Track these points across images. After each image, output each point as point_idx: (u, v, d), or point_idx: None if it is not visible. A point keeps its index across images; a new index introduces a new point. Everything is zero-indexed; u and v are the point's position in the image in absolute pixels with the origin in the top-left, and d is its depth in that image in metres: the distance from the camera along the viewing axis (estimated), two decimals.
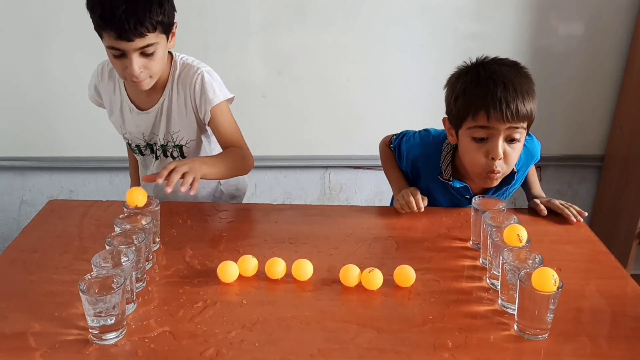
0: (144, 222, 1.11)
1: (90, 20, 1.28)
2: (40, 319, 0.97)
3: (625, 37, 2.11)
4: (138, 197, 1.15)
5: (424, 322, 0.97)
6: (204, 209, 1.41)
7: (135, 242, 1.04)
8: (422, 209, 1.33)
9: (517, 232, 1.03)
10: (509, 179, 1.31)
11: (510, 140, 1.20)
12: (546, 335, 0.93)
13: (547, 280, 0.90)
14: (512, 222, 1.10)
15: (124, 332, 0.93)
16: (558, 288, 0.90)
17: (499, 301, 1.02)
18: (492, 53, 1.27)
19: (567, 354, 0.91)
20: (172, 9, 1.33)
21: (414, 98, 2.16)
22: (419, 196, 1.34)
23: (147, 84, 1.35)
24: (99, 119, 1.77)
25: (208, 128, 1.48)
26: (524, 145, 1.29)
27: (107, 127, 1.57)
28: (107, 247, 1.02)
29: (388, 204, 1.62)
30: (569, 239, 1.25)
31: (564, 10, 2.10)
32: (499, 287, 1.03)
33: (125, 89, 1.46)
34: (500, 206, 1.20)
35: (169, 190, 1.17)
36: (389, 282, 1.07)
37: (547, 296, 0.90)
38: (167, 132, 1.47)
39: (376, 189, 2.41)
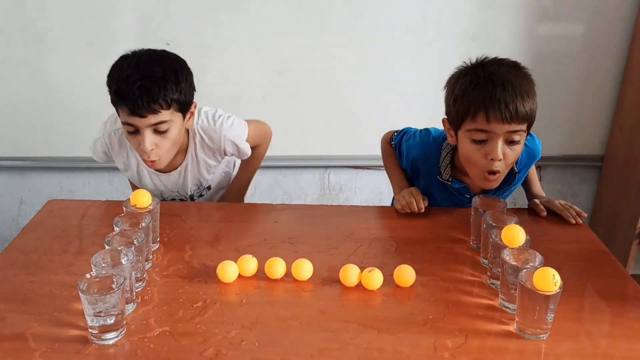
0: (143, 222, 1.11)
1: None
2: (40, 319, 0.97)
3: (625, 37, 2.11)
4: (142, 199, 1.15)
5: (424, 322, 0.97)
6: (204, 209, 1.41)
7: (135, 242, 1.04)
8: (423, 210, 1.33)
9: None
10: (509, 179, 1.30)
11: (510, 142, 1.19)
12: (546, 335, 0.93)
13: (547, 280, 0.90)
14: (512, 222, 1.09)
15: (123, 332, 0.93)
16: (559, 288, 0.90)
17: (499, 301, 1.02)
18: (492, 54, 1.26)
19: (567, 354, 0.91)
20: (191, 89, 1.35)
21: (414, 99, 2.16)
22: (420, 197, 1.34)
23: (160, 164, 1.35)
24: (99, 119, 1.76)
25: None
26: (525, 145, 1.28)
27: None
28: (107, 247, 1.01)
29: (388, 204, 1.62)
30: (569, 238, 1.25)
31: (564, 10, 2.10)
32: (499, 286, 1.03)
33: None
34: (501, 206, 1.20)
35: None
36: (389, 282, 1.07)
37: (547, 296, 0.90)
38: (194, 184, 1.52)
39: (376, 189, 2.41)
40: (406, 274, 1.07)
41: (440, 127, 1.36)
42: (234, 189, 1.63)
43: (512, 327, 0.96)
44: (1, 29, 2.08)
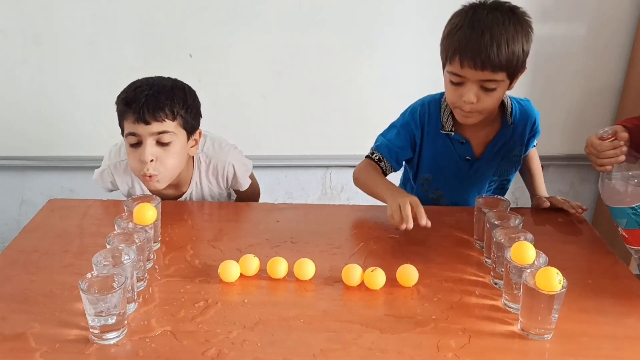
0: None
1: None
2: (41, 319, 0.96)
3: (627, 37, 2.11)
4: (147, 213, 1.10)
5: (427, 322, 0.96)
6: (205, 208, 1.40)
7: (136, 241, 1.03)
8: (424, 222, 1.16)
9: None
10: (506, 132, 1.32)
11: (484, 88, 1.19)
12: (550, 335, 0.93)
13: (551, 279, 0.89)
14: (519, 234, 1.06)
15: (124, 331, 0.92)
16: (562, 288, 0.89)
17: (503, 301, 1.01)
18: None
19: (571, 354, 0.90)
20: (197, 113, 1.37)
21: (414, 98, 2.14)
22: (422, 209, 1.17)
23: (158, 182, 1.32)
24: (100, 119, 1.76)
25: None
26: (519, 103, 1.32)
27: (107, 126, 1.56)
28: (108, 246, 1.01)
29: None
30: (572, 239, 1.25)
31: (566, 11, 2.09)
32: (502, 286, 1.02)
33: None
34: (504, 205, 1.20)
35: None
36: (391, 281, 1.06)
37: (551, 296, 0.89)
38: None
39: None
40: (409, 274, 1.06)
41: None
42: None
43: (516, 328, 0.95)
44: (1, 28, 2.07)
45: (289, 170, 2.37)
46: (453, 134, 1.34)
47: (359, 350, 0.90)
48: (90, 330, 0.91)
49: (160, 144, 1.29)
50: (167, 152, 1.30)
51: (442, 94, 1.36)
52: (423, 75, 2.16)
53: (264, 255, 1.11)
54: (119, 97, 1.32)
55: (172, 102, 1.28)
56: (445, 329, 0.95)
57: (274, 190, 2.39)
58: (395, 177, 1.48)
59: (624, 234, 1.11)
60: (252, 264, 1.09)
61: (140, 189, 1.45)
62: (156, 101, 1.27)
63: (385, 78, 2.18)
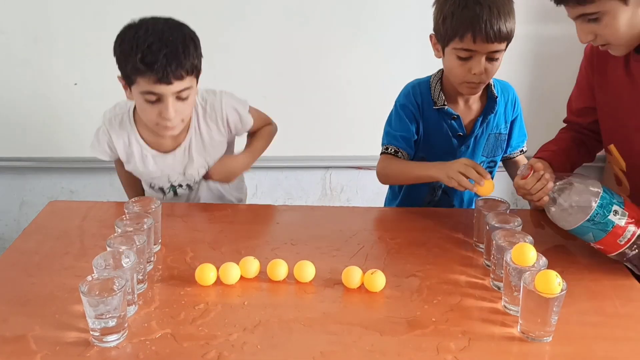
0: (145, 224, 1.10)
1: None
2: (41, 321, 0.96)
3: None
4: (209, 274, 1.07)
5: (427, 324, 0.97)
6: (205, 210, 1.40)
7: (137, 244, 1.03)
8: (488, 177, 1.21)
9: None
10: (491, 105, 1.40)
11: (491, 58, 1.28)
12: (550, 337, 0.93)
13: (551, 282, 0.89)
14: (519, 236, 1.06)
15: (125, 334, 0.93)
16: (562, 290, 0.89)
17: (503, 303, 1.01)
18: None
19: (570, 357, 0.90)
20: (201, 54, 1.34)
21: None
22: (480, 167, 1.24)
23: (178, 129, 1.35)
24: (100, 120, 1.75)
25: None
26: (498, 80, 1.42)
27: None
28: (108, 249, 1.01)
29: (389, 205, 1.61)
30: (572, 241, 1.24)
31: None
32: (502, 289, 1.02)
33: (141, 136, 1.43)
34: (503, 207, 1.20)
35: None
36: (391, 284, 1.07)
37: (551, 299, 0.89)
38: (202, 166, 1.47)
39: (377, 189, 2.38)
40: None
41: None
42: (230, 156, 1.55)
43: (516, 330, 0.95)
44: (2, 29, 2.07)
45: (289, 171, 2.38)
46: (446, 107, 1.40)
47: (359, 353, 0.90)
48: (91, 332, 0.91)
49: (179, 98, 1.29)
50: (185, 104, 1.31)
51: (429, 77, 1.44)
52: (424, 76, 2.17)
53: (264, 258, 1.11)
54: (127, 54, 1.27)
55: (189, 56, 1.27)
56: (445, 331, 0.95)
57: (274, 191, 2.39)
58: None
59: (598, 247, 1.12)
60: (252, 266, 1.09)
61: (137, 144, 1.43)
62: (177, 60, 1.24)
63: (386, 79, 2.17)
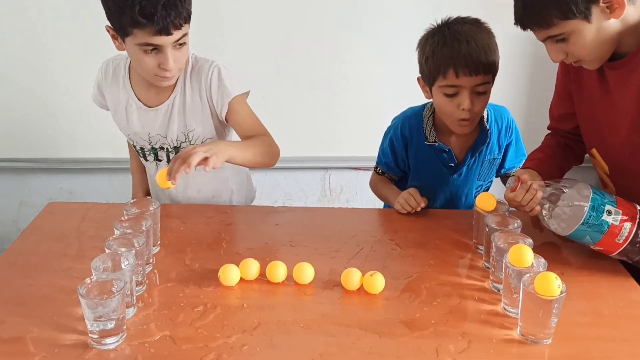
0: (143, 225, 1.10)
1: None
2: (39, 323, 0.96)
3: None
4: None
5: (426, 326, 0.96)
6: (204, 212, 1.40)
7: (135, 245, 1.03)
8: (423, 205, 1.35)
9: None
10: (483, 137, 1.40)
11: (477, 92, 1.29)
12: (550, 339, 0.93)
13: (550, 284, 0.89)
14: (518, 237, 1.07)
15: (123, 336, 0.92)
16: (561, 292, 0.89)
17: (502, 305, 1.01)
18: None
19: (570, 359, 0.90)
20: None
21: (414, 99, 2.14)
22: (419, 195, 1.36)
23: (175, 78, 1.34)
24: (99, 120, 1.76)
25: (227, 126, 1.48)
26: (494, 109, 1.43)
27: (106, 128, 1.56)
28: (107, 251, 1.01)
29: (388, 206, 1.61)
30: (571, 243, 1.24)
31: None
32: (501, 290, 1.02)
33: (132, 86, 1.42)
34: (503, 209, 1.20)
35: (189, 171, 1.12)
36: (390, 285, 1.06)
37: (550, 301, 0.89)
38: (180, 132, 1.43)
39: None
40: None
41: None
42: (223, 140, 1.49)
43: (515, 332, 0.95)
44: (2, 29, 2.07)
45: (288, 172, 2.37)
46: (437, 144, 1.41)
47: (358, 355, 0.90)
48: (89, 335, 0.91)
49: (177, 46, 1.28)
50: (182, 52, 1.30)
51: (423, 106, 1.46)
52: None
53: (263, 259, 1.11)
54: (120, 6, 1.22)
55: (185, 4, 1.25)
56: (445, 333, 0.95)
57: (273, 192, 2.39)
58: None
59: (599, 249, 1.12)
60: (252, 268, 1.08)
61: (125, 94, 1.41)
62: (175, 9, 1.22)
63: (385, 80, 2.18)
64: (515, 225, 1.12)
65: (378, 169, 1.55)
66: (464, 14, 1.40)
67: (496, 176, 1.53)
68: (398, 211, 1.37)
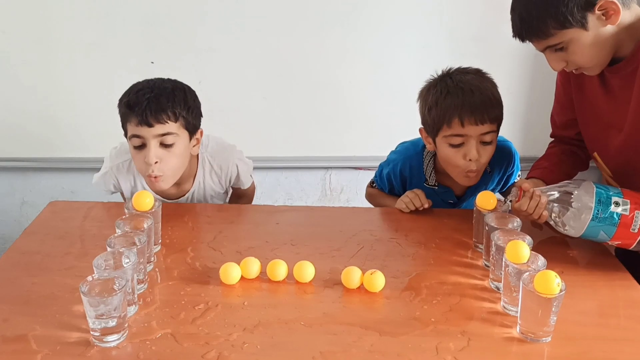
0: (145, 224, 1.11)
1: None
2: (42, 321, 0.97)
3: None
4: (145, 200, 1.16)
5: (427, 324, 0.97)
6: (205, 211, 1.41)
7: (137, 244, 1.04)
8: (427, 206, 1.36)
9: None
10: (485, 179, 1.40)
11: (483, 142, 1.28)
12: (549, 338, 0.93)
13: (550, 283, 0.89)
14: (517, 236, 1.07)
15: (125, 334, 0.93)
16: (561, 291, 0.90)
17: (502, 303, 1.02)
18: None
19: (570, 357, 0.91)
20: (198, 113, 1.39)
21: (414, 99, 2.15)
22: (424, 195, 1.37)
23: (163, 182, 1.35)
24: (101, 120, 1.77)
25: None
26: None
27: (108, 129, 1.57)
28: (109, 249, 1.01)
29: None
30: (571, 241, 1.25)
31: None
32: (501, 289, 1.03)
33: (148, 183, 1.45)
34: (503, 208, 1.20)
35: None
36: (391, 284, 1.07)
37: (550, 299, 0.90)
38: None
39: None
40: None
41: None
42: None
43: (515, 330, 0.95)
44: (4, 29, 2.08)
45: (289, 172, 2.38)
46: (437, 187, 1.42)
47: (359, 353, 0.90)
48: (91, 332, 0.92)
49: (163, 145, 1.31)
50: (171, 153, 1.33)
51: (423, 146, 1.44)
52: (423, 77, 2.17)
53: (264, 258, 1.12)
54: (121, 100, 1.34)
55: (173, 104, 1.31)
56: (445, 331, 0.95)
57: (274, 191, 2.39)
58: None
59: (617, 243, 1.12)
60: (253, 266, 1.09)
61: (142, 187, 1.46)
62: (158, 103, 1.29)
63: (386, 80, 2.18)
64: (515, 224, 1.12)
65: (374, 184, 1.56)
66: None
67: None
68: (400, 210, 1.37)
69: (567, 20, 1.04)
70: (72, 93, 2.16)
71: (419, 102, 1.38)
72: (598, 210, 1.08)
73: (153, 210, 1.18)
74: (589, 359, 0.90)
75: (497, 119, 1.28)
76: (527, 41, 1.12)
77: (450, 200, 1.44)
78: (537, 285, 0.90)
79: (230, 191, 1.64)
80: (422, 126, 1.38)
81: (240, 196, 1.65)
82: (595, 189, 1.10)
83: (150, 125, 1.28)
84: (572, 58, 1.10)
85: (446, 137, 1.29)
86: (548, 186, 1.17)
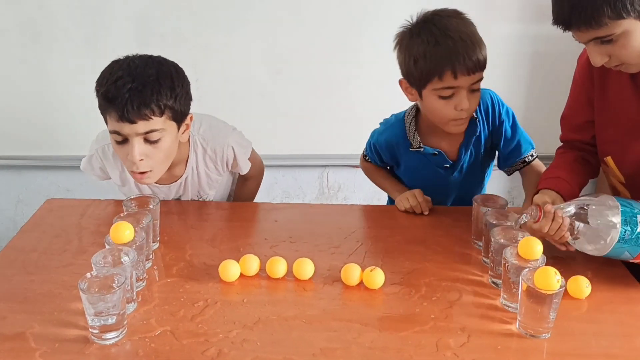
0: (143, 221, 1.10)
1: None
2: (40, 319, 0.96)
3: None
4: (125, 232, 1.02)
5: (426, 321, 0.97)
6: (204, 208, 1.40)
7: (135, 241, 1.03)
8: (426, 212, 1.34)
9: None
10: (472, 129, 1.33)
11: (472, 90, 1.24)
12: (549, 334, 0.93)
13: (549, 279, 0.90)
14: (520, 237, 1.05)
15: (124, 331, 0.93)
16: (560, 287, 0.90)
17: (501, 300, 1.02)
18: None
19: (569, 353, 0.91)
20: (187, 98, 1.23)
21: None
22: (424, 199, 1.35)
23: (149, 178, 1.23)
24: (95, 117, 1.75)
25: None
26: None
27: (102, 125, 1.55)
28: (107, 246, 1.01)
29: (385, 203, 1.62)
30: None
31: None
32: (501, 285, 1.03)
33: None
34: (502, 204, 1.20)
35: None
36: (390, 281, 1.07)
37: (549, 295, 0.90)
38: (194, 196, 1.43)
39: (374, 188, 2.39)
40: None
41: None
42: None
43: (514, 326, 0.96)
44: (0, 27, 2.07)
45: (286, 170, 2.37)
46: (422, 149, 1.36)
47: (359, 350, 0.90)
48: (90, 330, 0.91)
49: (148, 141, 1.19)
50: (157, 149, 1.20)
51: (403, 114, 1.40)
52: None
53: (263, 255, 1.11)
54: (97, 88, 1.17)
55: (158, 96, 1.15)
56: (445, 327, 0.95)
57: (272, 189, 2.39)
58: None
59: (638, 261, 1.07)
60: (253, 263, 1.09)
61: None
62: (141, 96, 1.13)
63: (383, 77, 2.17)
64: (526, 235, 1.11)
65: (367, 158, 1.51)
66: (467, 12, 1.36)
67: (501, 167, 1.45)
68: (400, 210, 1.37)
69: (625, 10, 0.96)
70: (67, 90, 2.15)
71: (397, 51, 1.28)
72: (625, 231, 1.00)
73: (151, 208, 1.17)
74: (587, 355, 0.91)
75: (485, 64, 1.22)
76: (570, 30, 1.03)
77: (445, 164, 1.38)
78: (537, 282, 0.90)
79: (236, 175, 1.54)
80: (402, 78, 1.29)
81: (246, 178, 1.53)
82: (619, 206, 1.02)
83: (132, 122, 1.14)
84: (618, 52, 1.02)
85: (436, 90, 1.22)
86: (566, 203, 1.09)
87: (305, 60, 2.15)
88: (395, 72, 2.15)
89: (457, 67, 1.18)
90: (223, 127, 1.40)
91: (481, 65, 1.21)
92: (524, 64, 2.16)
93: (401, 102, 1.56)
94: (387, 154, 1.44)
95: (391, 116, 1.47)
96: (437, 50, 1.19)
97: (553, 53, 2.14)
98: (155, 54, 1.33)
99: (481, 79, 1.24)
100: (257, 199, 1.82)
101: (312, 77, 2.17)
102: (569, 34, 1.07)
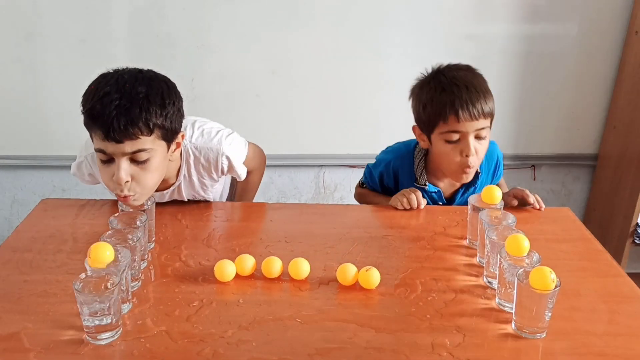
0: (138, 221, 1.10)
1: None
2: (34, 319, 0.96)
3: (619, 36, 2.12)
4: (105, 253, 0.94)
5: (422, 321, 0.97)
6: (199, 208, 1.40)
7: (130, 241, 1.03)
8: (422, 206, 1.36)
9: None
10: (474, 179, 1.40)
11: (478, 137, 1.30)
12: (544, 333, 0.93)
13: (545, 279, 0.90)
14: (513, 231, 1.05)
15: (119, 332, 0.92)
16: (556, 286, 0.90)
17: (497, 300, 1.02)
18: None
19: (564, 353, 0.91)
20: (179, 115, 1.16)
21: (408, 98, 2.16)
22: (419, 194, 1.37)
23: (135, 201, 1.14)
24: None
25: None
26: None
27: None
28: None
29: None
30: (565, 237, 1.25)
31: (558, 10, 2.11)
32: (496, 285, 1.03)
33: None
34: (497, 205, 1.20)
35: None
36: (386, 281, 1.07)
37: (545, 295, 0.90)
38: (190, 197, 1.40)
39: None
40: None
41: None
42: None
43: (510, 326, 0.96)
44: None
45: (282, 170, 2.37)
46: (427, 187, 1.42)
47: (354, 349, 0.90)
48: (85, 330, 0.91)
49: (135, 161, 1.11)
50: (145, 170, 1.12)
51: (415, 146, 1.45)
52: (417, 75, 2.17)
53: (258, 255, 1.11)
54: (83, 103, 1.11)
55: (147, 114, 1.07)
56: (440, 327, 0.95)
57: (268, 189, 2.39)
58: None
59: None
60: (248, 263, 1.08)
61: None
62: (128, 115, 1.05)
63: (379, 78, 2.18)
64: (510, 220, 1.13)
65: (364, 186, 1.56)
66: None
67: None
68: (394, 207, 1.37)
69: None
70: (62, 90, 2.14)
71: (411, 100, 1.38)
72: None
73: (146, 207, 1.17)
74: (582, 354, 0.91)
75: (491, 114, 1.30)
76: None
77: (439, 202, 1.45)
78: (533, 281, 0.90)
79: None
80: (415, 124, 1.38)
81: (247, 173, 1.46)
82: None
83: (118, 142, 1.07)
84: None
85: (442, 134, 1.29)
86: None
87: (301, 60, 2.15)
88: (391, 73, 2.17)
89: (459, 111, 1.25)
90: (215, 134, 1.33)
91: (485, 113, 1.27)
92: (518, 63, 2.16)
93: (395, 103, 1.56)
94: (393, 183, 1.49)
95: (398, 145, 1.52)
96: (443, 96, 1.28)
97: (547, 53, 2.15)
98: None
99: (487, 127, 1.29)
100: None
101: (308, 77, 2.17)
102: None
